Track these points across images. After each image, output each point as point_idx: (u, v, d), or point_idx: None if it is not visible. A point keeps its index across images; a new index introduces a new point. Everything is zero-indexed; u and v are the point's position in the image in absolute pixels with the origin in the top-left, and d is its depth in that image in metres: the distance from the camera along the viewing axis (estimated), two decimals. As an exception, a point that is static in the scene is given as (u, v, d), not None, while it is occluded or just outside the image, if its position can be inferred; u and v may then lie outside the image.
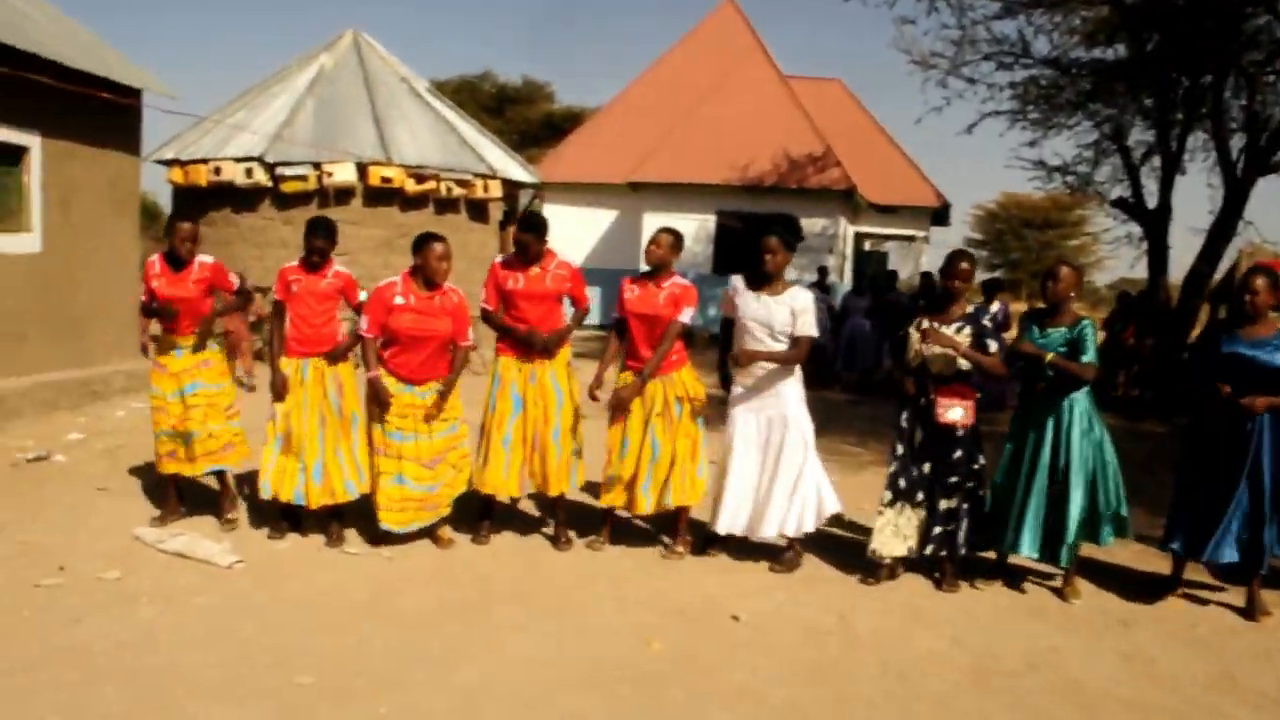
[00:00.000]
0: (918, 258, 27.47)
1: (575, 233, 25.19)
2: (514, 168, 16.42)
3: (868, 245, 28.22)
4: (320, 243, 6.31)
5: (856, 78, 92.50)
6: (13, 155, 9.39)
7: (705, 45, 28.32)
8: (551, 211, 27.15)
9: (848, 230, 26.46)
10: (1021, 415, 6.20)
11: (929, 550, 6.08)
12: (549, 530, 6.80)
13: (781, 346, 6.09)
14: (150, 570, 5.68)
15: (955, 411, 5.91)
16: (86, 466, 7.87)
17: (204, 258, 6.54)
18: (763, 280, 6.14)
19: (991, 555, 6.33)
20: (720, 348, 6.43)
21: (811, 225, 24.29)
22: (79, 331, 10.09)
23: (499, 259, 6.47)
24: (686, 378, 6.39)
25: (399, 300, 6.07)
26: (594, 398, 6.39)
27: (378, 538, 6.30)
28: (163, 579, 5.55)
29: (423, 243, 6.10)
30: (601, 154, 26.34)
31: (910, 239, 27.93)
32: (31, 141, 9.50)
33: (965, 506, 6.06)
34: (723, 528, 6.36)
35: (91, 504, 6.87)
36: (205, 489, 6.99)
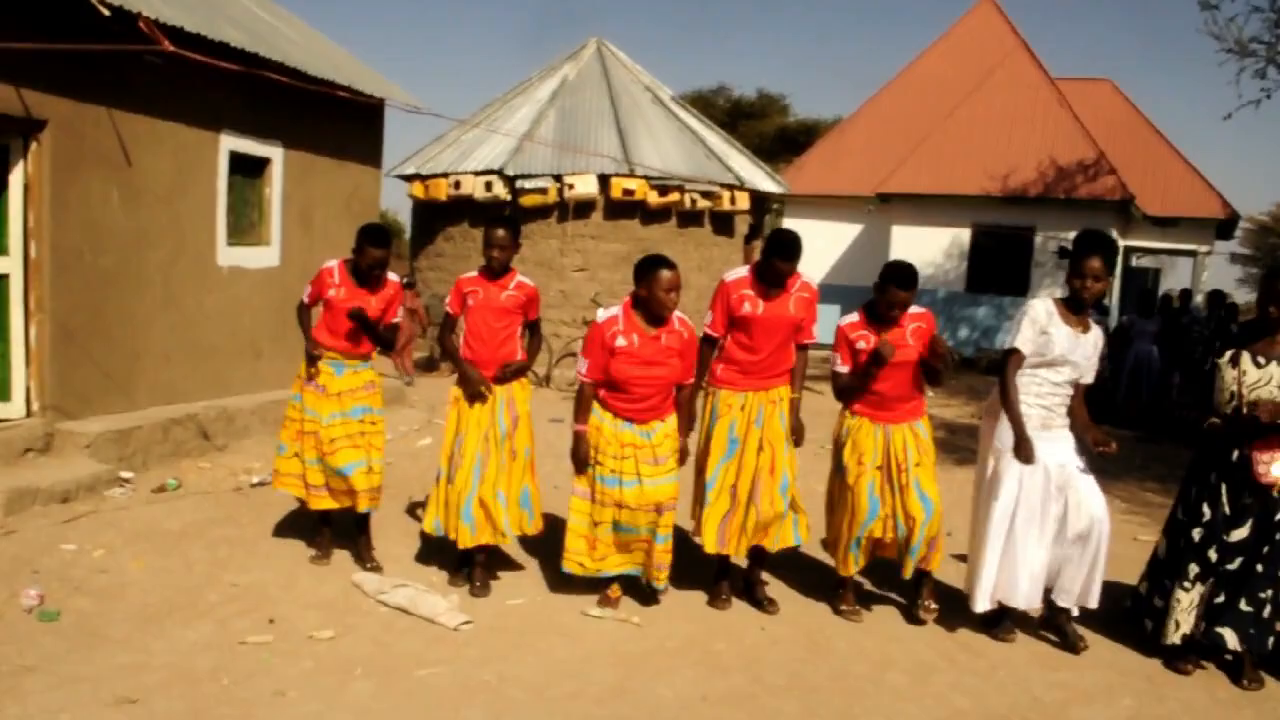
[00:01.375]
0: (1199, 275, 24.62)
1: (816, 247, 23.78)
2: (761, 178, 15.39)
3: (1134, 260, 25.59)
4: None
5: (1128, 78, 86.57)
6: (255, 167, 9.09)
7: (961, 47, 26.38)
8: (792, 225, 26.07)
9: (1118, 245, 23.96)
10: None
11: (1228, 635, 4.83)
12: (815, 600, 5.64)
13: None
14: (368, 628, 4.89)
15: None
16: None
17: (392, 275, 5.80)
18: (1078, 309, 5.10)
19: None
20: (1003, 387, 5.17)
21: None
22: (315, 349, 9.71)
23: (729, 276, 5.39)
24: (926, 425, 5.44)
25: (620, 343, 5.06)
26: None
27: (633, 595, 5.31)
28: (381, 642, 4.73)
29: (649, 269, 5.01)
30: (847, 164, 24.91)
31: (1190, 254, 25.08)
32: (274, 153, 9.18)
33: None
34: (1003, 599, 5.17)
35: (312, 539, 6.22)
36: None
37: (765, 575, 5.70)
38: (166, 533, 6.15)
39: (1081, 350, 5.07)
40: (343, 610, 5.10)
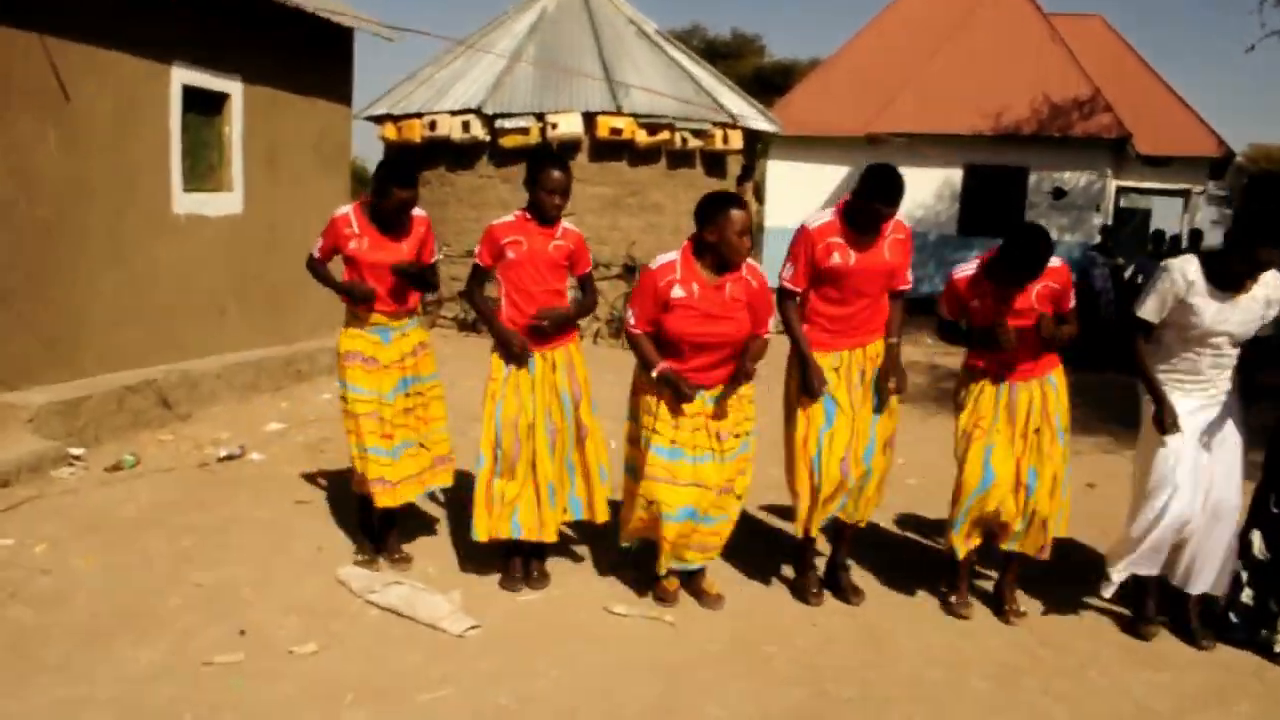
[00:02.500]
0: (1192, 215, 24.03)
1: (802, 191, 23.00)
2: (754, 116, 14.53)
3: (1123, 202, 24.94)
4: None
5: (1118, 14, 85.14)
6: (213, 104, 8.19)
7: (949, -20, 25.43)
8: (777, 168, 25.21)
9: (1110, 185, 23.30)
10: None
11: None
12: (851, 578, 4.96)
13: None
14: (357, 639, 4.14)
15: None
16: (285, 467, 6.51)
17: (419, 213, 4.94)
18: (1239, 280, 4.30)
19: None
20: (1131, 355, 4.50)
21: (1075, 179, 21.46)
22: (281, 304, 8.86)
23: (812, 222, 4.59)
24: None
25: (678, 293, 4.30)
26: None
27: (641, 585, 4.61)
28: (374, 656, 4.00)
29: (718, 209, 4.26)
30: (833, 104, 23.94)
31: (1182, 194, 24.45)
32: (233, 88, 8.27)
33: None
34: (1138, 568, 4.54)
35: (289, 524, 5.46)
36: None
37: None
38: (121, 521, 5.36)
39: (1239, 316, 4.33)
40: (326, 614, 4.35)
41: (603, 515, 4.86)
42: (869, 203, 4.41)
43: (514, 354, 4.63)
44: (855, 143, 22.85)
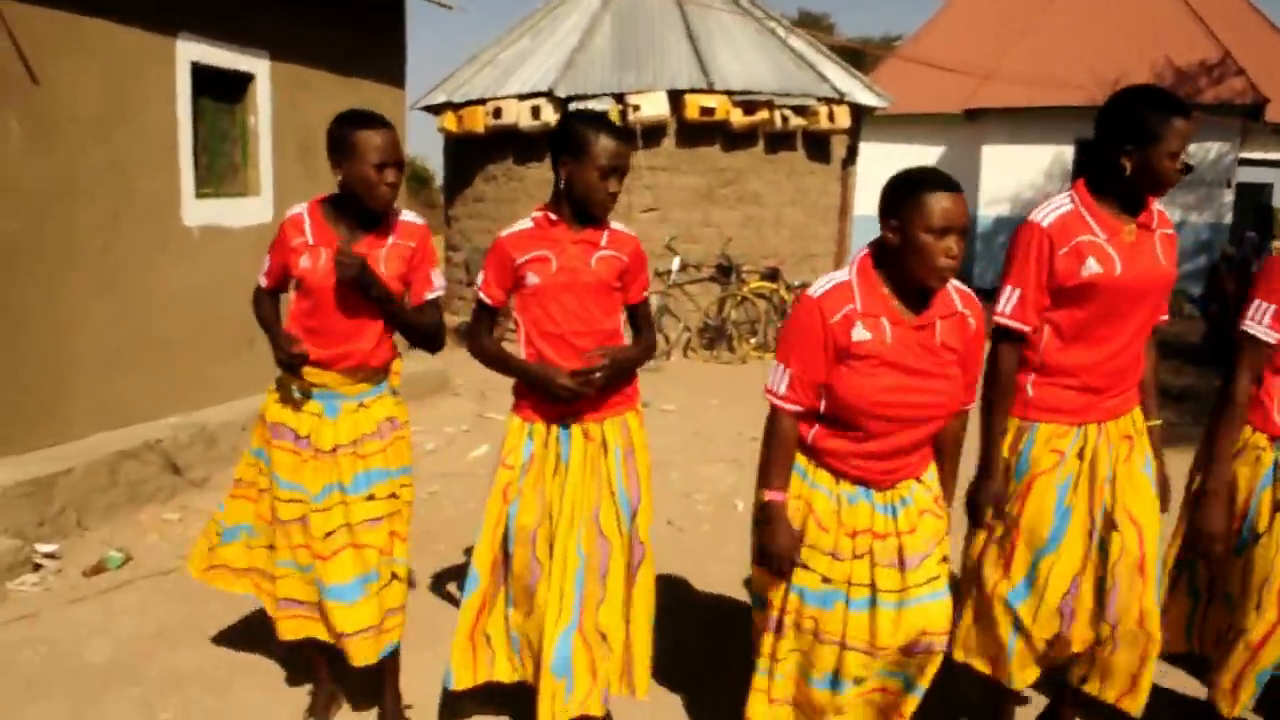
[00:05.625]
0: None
1: (891, 173, 21.06)
2: (859, 90, 12.69)
3: (1241, 176, 22.63)
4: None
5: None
6: (233, 87, 6.62)
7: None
8: (867, 151, 23.25)
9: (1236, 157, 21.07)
10: None
11: None
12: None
13: None
14: None
15: None
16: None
17: (411, 216, 3.22)
18: None
19: None
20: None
21: (1203, 151, 19.30)
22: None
23: (1045, 218, 2.88)
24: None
25: (861, 335, 2.53)
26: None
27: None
28: None
29: (913, 191, 2.48)
30: (926, 79, 21.92)
31: (1316, 165, 22.10)
32: (258, 67, 6.69)
33: None
34: None
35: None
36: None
37: None
38: (83, 674, 3.75)
39: None
40: None
41: (643, 690, 3.16)
42: (1150, 161, 2.76)
43: (559, 396, 2.96)
44: (952, 119, 21.00)
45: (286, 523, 3.15)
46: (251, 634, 3.98)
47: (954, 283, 2.60)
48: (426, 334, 3.21)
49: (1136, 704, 2.97)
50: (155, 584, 4.56)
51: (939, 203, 2.44)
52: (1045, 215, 2.89)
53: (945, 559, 2.71)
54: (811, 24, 46.51)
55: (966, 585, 3.10)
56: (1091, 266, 2.81)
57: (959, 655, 3.12)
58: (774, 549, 2.63)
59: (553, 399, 2.97)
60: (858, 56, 37.96)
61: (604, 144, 2.87)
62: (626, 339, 3.14)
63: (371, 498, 3.14)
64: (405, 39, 8.25)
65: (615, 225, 3.07)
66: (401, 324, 3.14)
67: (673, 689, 3.60)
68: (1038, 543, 2.93)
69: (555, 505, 2.99)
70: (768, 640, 2.73)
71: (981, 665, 3.12)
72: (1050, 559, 2.92)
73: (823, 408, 2.63)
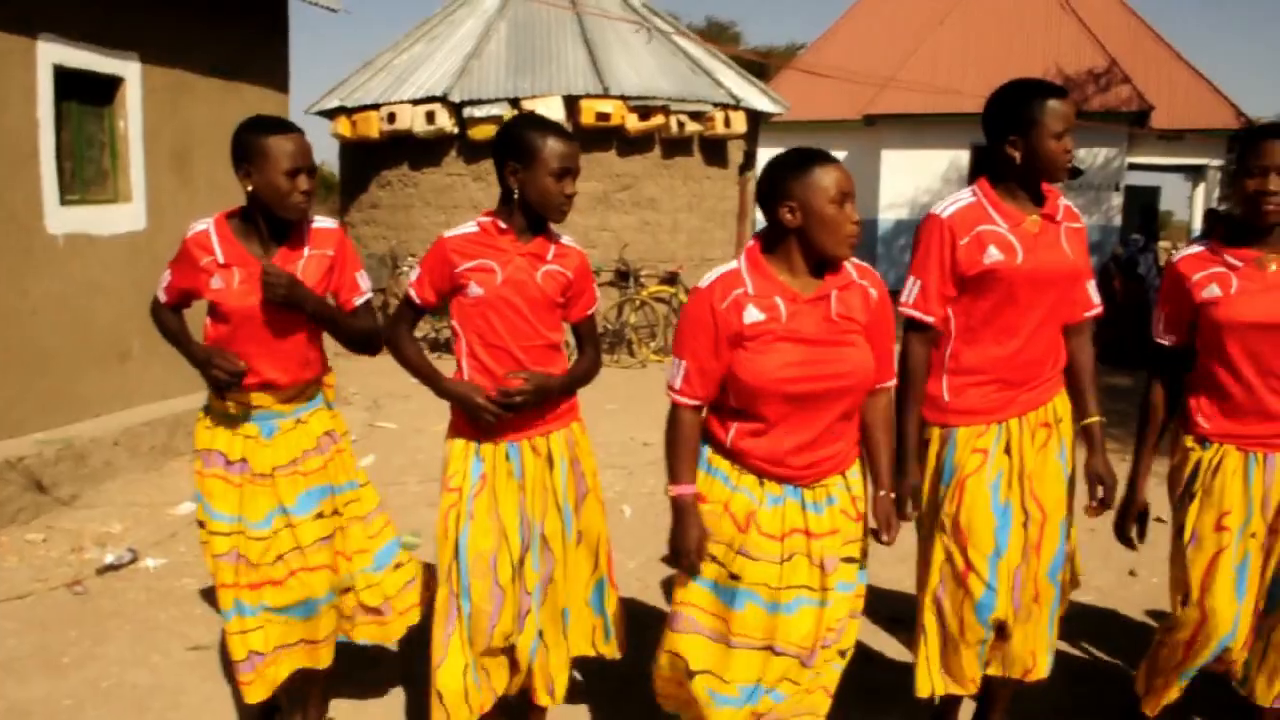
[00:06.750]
0: (1210, 193, 22.54)
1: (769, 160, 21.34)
2: (756, 96, 12.81)
3: (1129, 180, 23.40)
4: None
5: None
6: (101, 90, 6.40)
7: (945, -52, 23.80)
8: (767, 155, 23.39)
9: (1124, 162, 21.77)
10: None
11: None
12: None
13: None
14: None
15: None
16: (187, 578, 4.75)
17: (324, 222, 3.10)
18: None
19: None
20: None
21: (1092, 156, 19.90)
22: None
23: (944, 209, 2.89)
24: None
25: (753, 317, 2.49)
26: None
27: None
28: None
29: (799, 169, 2.46)
30: (826, 85, 22.27)
31: (1197, 170, 22.94)
32: (127, 69, 6.48)
33: None
34: None
35: (177, 684, 3.71)
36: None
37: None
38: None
39: None
40: None
41: (612, 649, 3.21)
42: (1040, 134, 2.80)
43: (479, 418, 2.87)
44: (852, 125, 21.34)
45: (219, 557, 2.98)
46: (103, 659, 3.82)
47: (851, 259, 2.59)
48: (365, 339, 3.12)
49: (1038, 668, 3.03)
50: (8, 611, 4.36)
51: (831, 174, 2.45)
52: (946, 208, 2.90)
53: (854, 560, 2.69)
54: (718, 33, 46.98)
55: (929, 620, 3.02)
56: (993, 254, 2.81)
57: (940, 689, 3.04)
58: (682, 544, 2.60)
59: (473, 417, 2.90)
60: (763, 66, 38.48)
61: (553, 147, 2.80)
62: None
63: (320, 515, 3.04)
64: (289, 42, 8.08)
65: (564, 239, 3.00)
66: (338, 333, 3.05)
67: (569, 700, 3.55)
68: (986, 548, 2.88)
69: (510, 523, 2.91)
70: (694, 643, 2.64)
71: (960, 690, 3.08)
72: (1005, 561, 2.90)
73: (732, 401, 2.59)
